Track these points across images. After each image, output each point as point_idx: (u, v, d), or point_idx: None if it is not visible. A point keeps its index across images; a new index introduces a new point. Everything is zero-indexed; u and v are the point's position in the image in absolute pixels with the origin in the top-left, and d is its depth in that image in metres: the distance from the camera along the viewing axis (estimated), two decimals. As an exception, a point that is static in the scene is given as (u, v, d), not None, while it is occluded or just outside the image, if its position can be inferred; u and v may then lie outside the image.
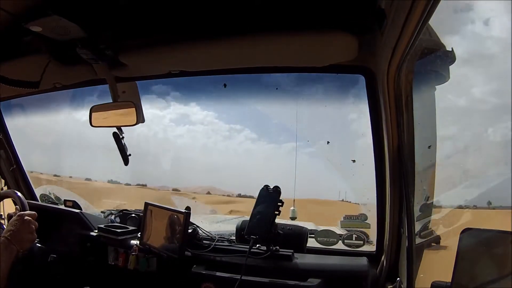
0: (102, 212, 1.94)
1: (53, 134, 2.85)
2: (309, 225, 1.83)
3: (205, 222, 1.92)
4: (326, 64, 1.18)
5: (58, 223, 1.67)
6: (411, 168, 1.09)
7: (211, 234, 1.58)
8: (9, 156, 1.92)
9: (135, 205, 1.88)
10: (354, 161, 1.65)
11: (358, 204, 1.85)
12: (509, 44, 0.89)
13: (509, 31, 0.88)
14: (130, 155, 1.53)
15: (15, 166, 1.93)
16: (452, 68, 1.03)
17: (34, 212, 1.15)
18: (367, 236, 1.63)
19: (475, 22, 1.09)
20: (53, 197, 2.15)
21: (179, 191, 4.21)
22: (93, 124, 1.49)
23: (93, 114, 1.48)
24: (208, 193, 4.42)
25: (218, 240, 1.52)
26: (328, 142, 1.76)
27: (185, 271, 1.39)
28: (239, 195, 4.23)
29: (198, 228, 1.57)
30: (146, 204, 1.57)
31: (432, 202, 1.23)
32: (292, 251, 1.38)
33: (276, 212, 1.33)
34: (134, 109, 1.41)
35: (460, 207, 1.18)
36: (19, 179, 1.97)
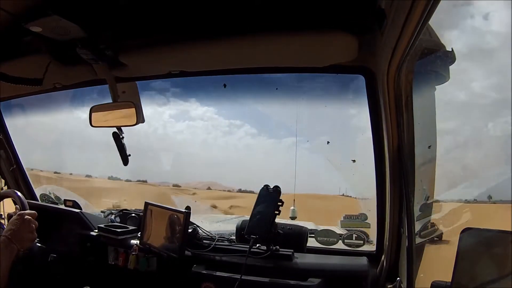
0: (102, 211, 1.94)
1: (53, 132, 2.86)
2: (309, 225, 1.83)
3: (205, 222, 1.93)
4: (326, 64, 1.18)
5: (58, 223, 1.67)
6: (411, 167, 1.09)
7: (211, 234, 1.58)
8: (9, 156, 1.92)
9: (136, 201, 1.89)
10: (354, 161, 1.65)
11: (358, 198, 1.85)
12: (509, 39, 0.89)
13: (509, 26, 0.88)
14: (129, 155, 1.53)
15: (15, 166, 1.94)
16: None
17: (34, 211, 1.15)
18: (367, 236, 1.63)
19: (475, 16, 1.09)
20: (53, 197, 2.16)
21: (180, 186, 4.21)
22: (93, 124, 1.49)
23: (93, 114, 1.48)
24: (209, 188, 4.42)
25: (218, 239, 1.52)
26: (328, 142, 1.76)
27: (185, 270, 1.39)
28: (240, 190, 4.24)
29: (198, 228, 1.57)
30: (146, 204, 1.57)
31: (432, 202, 1.24)
32: (292, 250, 1.38)
33: (276, 212, 1.33)
34: (134, 109, 1.41)
35: (460, 201, 1.18)
36: (19, 179, 1.97)
